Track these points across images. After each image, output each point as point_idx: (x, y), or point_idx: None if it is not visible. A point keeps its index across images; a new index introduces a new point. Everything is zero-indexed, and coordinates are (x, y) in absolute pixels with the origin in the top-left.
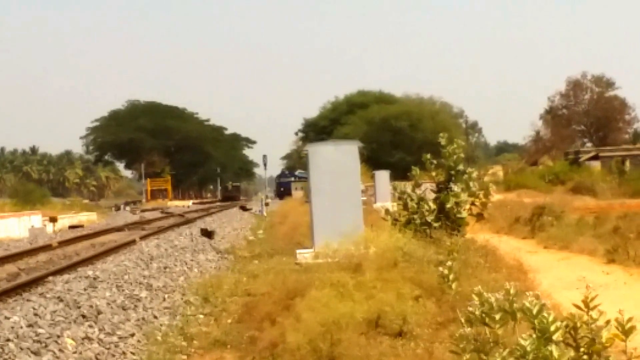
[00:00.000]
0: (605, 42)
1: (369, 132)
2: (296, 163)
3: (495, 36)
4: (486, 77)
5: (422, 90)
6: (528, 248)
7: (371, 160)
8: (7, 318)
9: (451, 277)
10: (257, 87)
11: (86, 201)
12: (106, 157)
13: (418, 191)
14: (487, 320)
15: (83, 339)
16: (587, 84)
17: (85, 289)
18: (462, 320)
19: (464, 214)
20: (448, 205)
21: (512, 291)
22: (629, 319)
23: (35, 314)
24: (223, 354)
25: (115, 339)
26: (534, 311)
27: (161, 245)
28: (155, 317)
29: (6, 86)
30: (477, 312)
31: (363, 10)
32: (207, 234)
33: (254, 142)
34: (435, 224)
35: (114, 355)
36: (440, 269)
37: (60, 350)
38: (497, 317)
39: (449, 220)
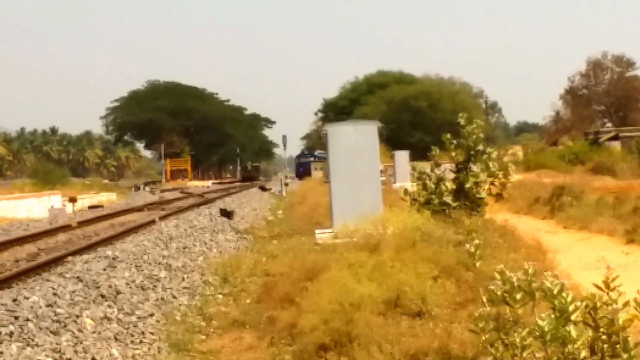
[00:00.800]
0: (626, 21)
1: (389, 112)
2: (315, 143)
3: (515, 16)
4: (506, 57)
5: (442, 70)
6: (547, 228)
7: (390, 141)
8: (26, 298)
9: (477, 254)
10: (277, 68)
11: (106, 181)
12: (126, 138)
13: (437, 171)
14: (508, 299)
15: (102, 318)
16: (607, 64)
17: (104, 269)
18: (484, 299)
19: (483, 194)
20: (467, 186)
21: (530, 271)
22: None
23: (55, 294)
24: (242, 334)
25: (134, 318)
26: (554, 291)
27: (180, 226)
28: (174, 297)
29: (26, 67)
30: (499, 292)
31: None
32: (227, 214)
33: (273, 123)
34: (454, 204)
35: (132, 335)
36: (467, 246)
37: (79, 330)
38: (518, 296)
39: (468, 200)
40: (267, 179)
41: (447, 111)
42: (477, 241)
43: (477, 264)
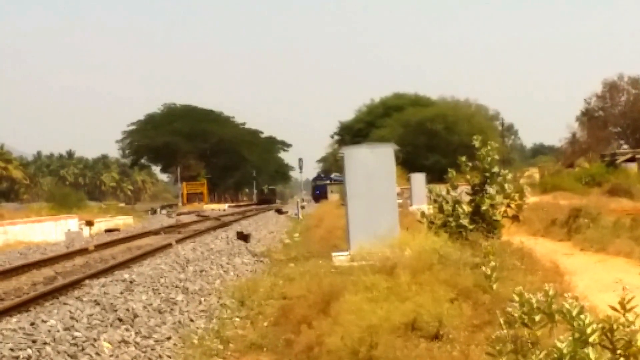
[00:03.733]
0: None
1: (405, 135)
2: (332, 166)
3: (531, 38)
4: (522, 79)
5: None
6: (564, 250)
7: (407, 163)
8: (44, 321)
9: (493, 277)
10: (293, 91)
11: (122, 205)
12: (142, 161)
13: (454, 194)
14: (526, 321)
15: (119, 342)
16: (623, 86)
17: (121, 293)
18: (501, 321)
19: (499, 216)
20: (483, 208)
21: (550, 292)
22: None
23: (72, 318)
24: (259, 357)
25: (151, 342)
26: (574, 313)
27: (197, 249)
28: (192, 320)
29: (43, 91)
30: (517, 314)
31: (399, 14)
32: (243, 237)
33: (289, 145)
34: (471, 227)
35: (150, 359)
36: (483, 268)
37: (96, 353)
38: (537, 318)
39: (485, 222)
40: (283, 202)
41: (464, 133)
42: (493, 263)
43: (494, 286)
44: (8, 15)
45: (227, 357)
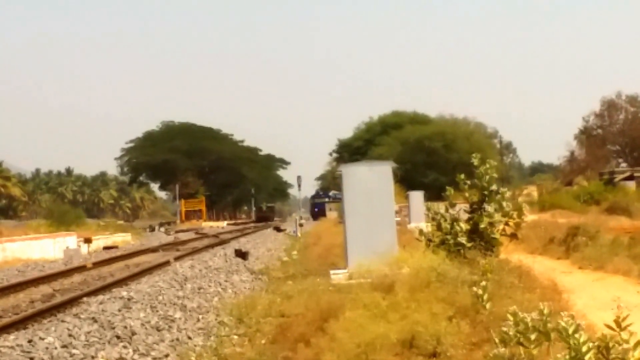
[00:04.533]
0: None
1: (403, 153)
2: (330, 184)
3: (530, 57)
4: (520, 97)
5: (456, 110)
6: (562, 268)
7: (405, 181)
8: (41, 339)
9: (485, 297)
10: (292, 109)
11: (121, 222)
12: (141, 178)
13: (452, 212)
14: (521, 340)
15: (117, 359)
16: (621, 104)
17: (119, 310)
18: (497, 340)
19: (498, 234)
20: (482, 226)
21: (545, 311)
22: None
23: (70, 335)
24: None
25: (149, 359)
26: (570, 331)
27: (195, 266)
28: (190, 337)
29: (42, 109)
30: (512, 332)
31: (398, 32)
32: (241, 254)
33: (288, 163)
34: (469, 245)
35: None
36: (475, 288)
37: None
38: (532, 337)
39: (483, 240)
40: (281, 220)
41: (462, 151)
42: (484, 283)
43: (487, 306)
44: (6, 31)
45: None
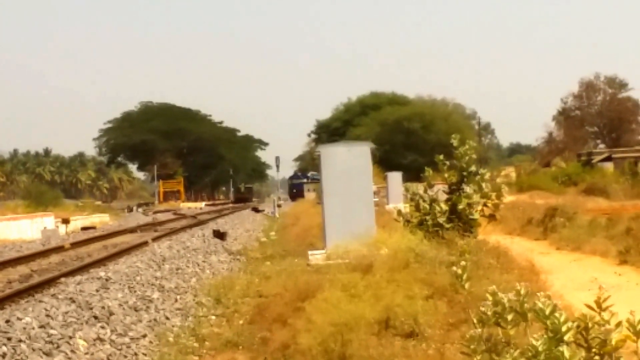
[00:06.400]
0: (618, 43)
1: (382, 134)
2: (309, 165)
3: (507, 38)
4: (499, 78)
5: (435, 91)
6: (540, 249)
7: (384, 162)
8: (19, 319)
9: (464, 276)
10: (270, 89)
11: (99, 203)
12: (119, 159)
13: (430, 192)
14: (499, 320)
15: (95, 340)
16: (600, 85)
17: (97, 290)
18: (475, 320)
19: (476, 215)
20: (460, 207)
21: (522, 292)
22: None
23: (48, 315)
24: (235, 355)
25: (127, 340)
26: (547, 312)
27: (173, 247)
28: (167, 318)
29: (19, 89)
30: (490, 313)
31: (375, 12)
32: (220, 235)
33: (266, 144)
34: (447, 225)
35: (125, 357)
36: (454, 268)
37: (72, 351)
38: (510, 317)
39: (461, 221)
40: (260, 201)
41: (440, 132)
42: (463, 263)
43: (466, 286)
44: None
45: (203, 355)
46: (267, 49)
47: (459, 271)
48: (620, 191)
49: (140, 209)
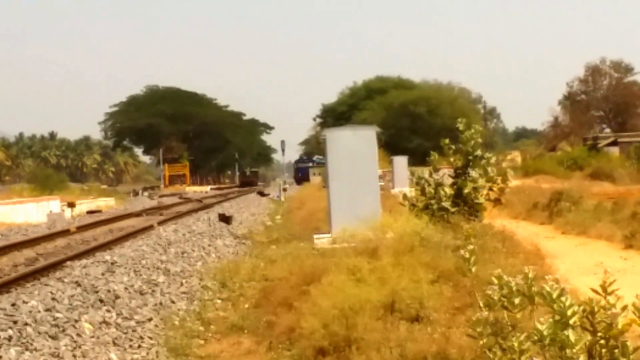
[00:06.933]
0: (625, 27)
1: (387, 118)
2: (314, 148)
3: (514, 22)
4: (505, 62)
5: (441, 75)
6: (546, 234)
7: (389, 146)
8: (25, 302)
9: (472, 260)
10: (275, 73)
11: (104, 186)
12: (124, 143)
13: (436, 176)
14: (506, 304)
15: (101, 323)
16: (605, 70)
17: (103, 274)
18: (481, 304)
19: (482, 199)
20: (466, 191)
21: (530, 275)
22: None
23: (53, 299)
24: (240, 339)
25: (132, 323)
26: (554, 295)
27: (179, 231)
28: (173, 301)
29: (24, 72)
30: (496, 296)
31: None
32: (225, 219)
33: (272, 128)
34: (453, 209)
35: (131, 340)
36: (462, 251)
37: (77, 334)
38: (517, 301)
39: (467, 205)
40: (265, 185)
41: (446, 116)
42: (471, 246)
43: (473, 269)
44: None
45: (208, 339)
46: (273, 33)
47: (467, 254)
48: (626, 175)
49: (145, 193)
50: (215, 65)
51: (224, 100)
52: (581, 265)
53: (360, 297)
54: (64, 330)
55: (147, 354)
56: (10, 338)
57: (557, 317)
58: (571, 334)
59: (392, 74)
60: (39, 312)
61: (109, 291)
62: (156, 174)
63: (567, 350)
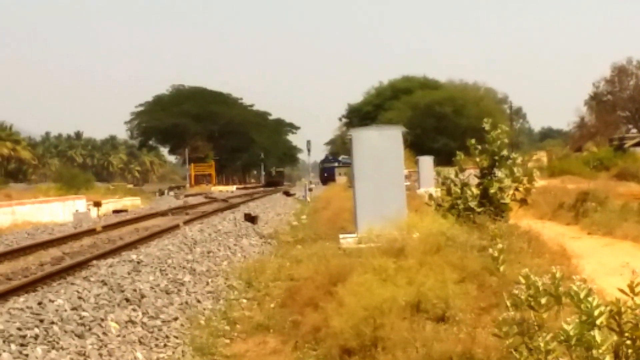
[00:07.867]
0: None
1: (413, 118)
2: (340, 148)
3: (540, 22)
4: (531, 62)
5: (467, 75)
6: (571, 234)
7: (415, 146)
8: (51, 301)
9: (500, 259)
10: (302, 73)
11: (130, 186)
12: (150, 142)
13: (462, 177)
14: (532, 303)
15: (127, 322)
16: (632, 70)
17: (128, 273)
18: (508, 303)
19: (507, 199)
20: (492, 191)
21: (558, 275)
22: None
23: (80, 298)
24: (266, 338)
25: (158, 322)
26: (581, 295)
27: (205, 230)
28: (199, 301)
29: (51, 72)
30: (523, 296)
31: None
32: (251, 219)
33: (297, 128)
34: (479, 210)
35: (157, 339)
36: (490, 250)
37: (104, 333)
38: (543, 300)
39: (493, 205)
40: (291, 184)
41: (472, 117)
42: (500, 246)
43: (501, 269)
44: None
45: (234, 338)
46: (299, 33)
47: (495, 253)
48: None
49: (171, 193)
50: (240, 65)
51: (249, 100)
52: (607, 265)
53: (386, 297)
54: (90, 329)
55: (173, 353)
56: (37, 337)
57: (584, 318)
58: (597, 335)
59: (418, 74)
60: (65, 310)
61: (134, 290)
62: (182, 173)
63: (594, 351)
